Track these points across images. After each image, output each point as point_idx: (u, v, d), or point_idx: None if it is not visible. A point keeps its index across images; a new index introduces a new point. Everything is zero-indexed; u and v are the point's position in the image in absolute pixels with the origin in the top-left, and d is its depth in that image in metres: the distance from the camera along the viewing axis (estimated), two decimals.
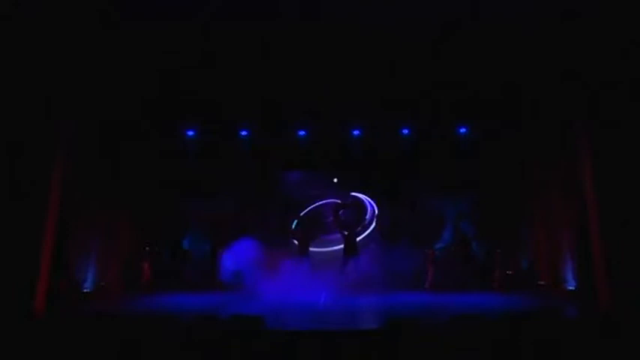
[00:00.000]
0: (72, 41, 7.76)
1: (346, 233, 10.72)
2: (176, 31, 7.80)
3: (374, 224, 12.06)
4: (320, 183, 12.13)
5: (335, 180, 12.09)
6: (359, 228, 11.48)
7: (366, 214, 12.12)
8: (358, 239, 11.14)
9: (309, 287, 9.91)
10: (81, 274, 9.87)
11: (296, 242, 11.46)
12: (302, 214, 12.15)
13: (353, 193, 12.30)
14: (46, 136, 8.04)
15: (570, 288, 9.55)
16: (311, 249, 11.43)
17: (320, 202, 12.23)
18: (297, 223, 12.01)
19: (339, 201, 12.03)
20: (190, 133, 11.21)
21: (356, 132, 11.19)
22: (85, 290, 9.89)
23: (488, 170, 11.47)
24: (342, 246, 11.10)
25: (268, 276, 10.08)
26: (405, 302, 9.55)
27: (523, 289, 10.50)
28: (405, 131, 11.17)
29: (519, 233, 11.36)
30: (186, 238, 12.08)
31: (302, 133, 11.31)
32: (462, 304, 9.18)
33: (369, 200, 12.30)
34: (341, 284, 10.09)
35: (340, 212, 11.86)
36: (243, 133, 11.31)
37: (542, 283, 10.53)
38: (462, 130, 11.11)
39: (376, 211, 12.14)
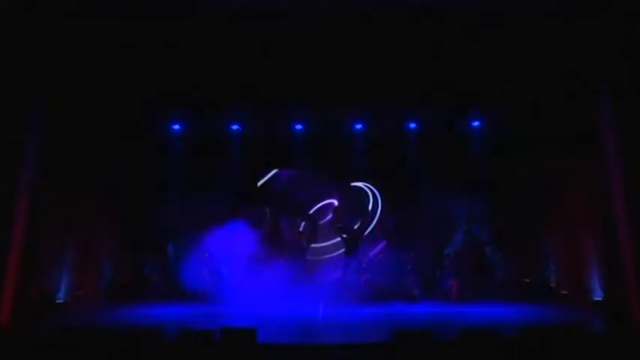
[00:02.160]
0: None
1: (345, 236, 10.71)
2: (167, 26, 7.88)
3: (377, 219, 12.00)
4: (317, 182, 12.08)
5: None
6: (360, 229, 11.39)
7: (368, 211, 12.06)
8: (362, 236, 11.11)
9: (305, 295, 9.83)
10: (54, 283, 9.72)
11: (293, 247, 11.42)
12: (304, 216, 12.09)
13: (353, 184, 12.23)
14: (13, 134, 7.98)
15: (597, 298, 9.44)
16: (308, 256, 11.37)
17: (319, 204, 12.18)
18: (303, 226, 11.96)
19: (336, 202, 11.98)
20: (176, 127, 11.17)
21: (358, 126, 11.17)
22: (58, 301, 9.74)
23: (503, 170, 11.39)
24: (341, 250, 11.07)
25: (257, 281, 10.02)
26: (412, 313, 9.49)
27: (544, 299, 10.38)
28: (412, 125, 11.15)
29: (537, 237, 11.24)
30: (171, 242, 11.99)
31: (299, 127, 11.26)
32: (475, 315, 9.11)
33: (372, 189, 12.23)
34: (341, 291, 10.03)
35: (339, 215, 11.80)
36: (234, 127, 11.28)
37: (564, 292, 10.44)
38: (474, 124, 11.09)
39: (379, 204, 12.08)
